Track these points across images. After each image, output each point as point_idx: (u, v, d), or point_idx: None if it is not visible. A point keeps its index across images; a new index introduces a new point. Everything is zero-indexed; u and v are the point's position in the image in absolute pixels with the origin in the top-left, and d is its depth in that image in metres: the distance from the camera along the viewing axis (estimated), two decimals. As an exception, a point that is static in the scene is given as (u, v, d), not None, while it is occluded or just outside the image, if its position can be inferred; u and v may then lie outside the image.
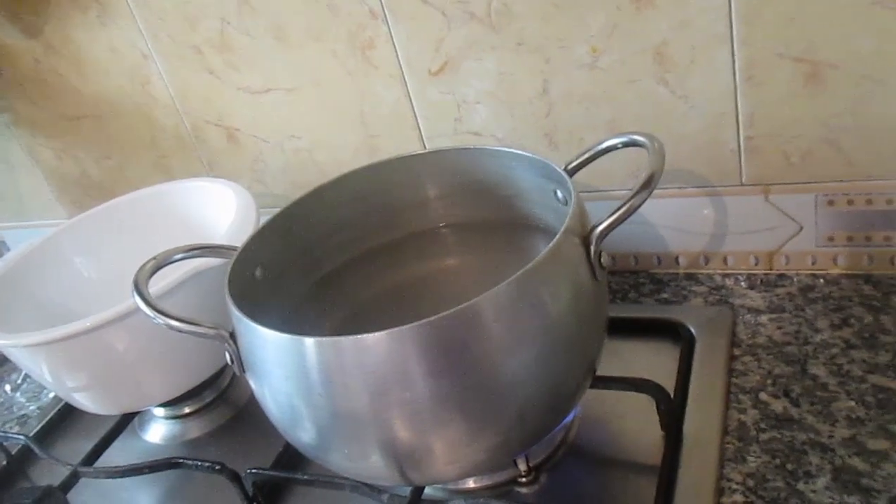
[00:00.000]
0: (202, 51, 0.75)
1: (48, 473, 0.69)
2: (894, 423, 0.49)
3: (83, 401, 0.65)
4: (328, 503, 0.57)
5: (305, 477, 0.57)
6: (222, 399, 0.71)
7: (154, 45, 0.77)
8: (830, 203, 0.61)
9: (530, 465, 0.54)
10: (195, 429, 0.70)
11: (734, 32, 0.56)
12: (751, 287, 0.65)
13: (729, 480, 0.49)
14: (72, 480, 0.63)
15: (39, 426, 0.75)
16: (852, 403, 0.51)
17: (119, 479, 0.64)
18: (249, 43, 0.73)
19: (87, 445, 0.67)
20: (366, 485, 0.53)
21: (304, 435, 0.48)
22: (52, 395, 0.80)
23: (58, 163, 0.95)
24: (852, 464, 0.47)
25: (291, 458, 0.59)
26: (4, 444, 0.72)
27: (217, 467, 0.58)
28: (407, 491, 0.52)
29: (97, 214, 0.78)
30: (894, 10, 0.51)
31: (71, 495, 0.63)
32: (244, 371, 0.49)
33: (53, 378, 0.63)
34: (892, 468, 0.46)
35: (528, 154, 0.54)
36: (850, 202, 0.60)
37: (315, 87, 0.73)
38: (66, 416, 0.76)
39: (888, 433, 0.49)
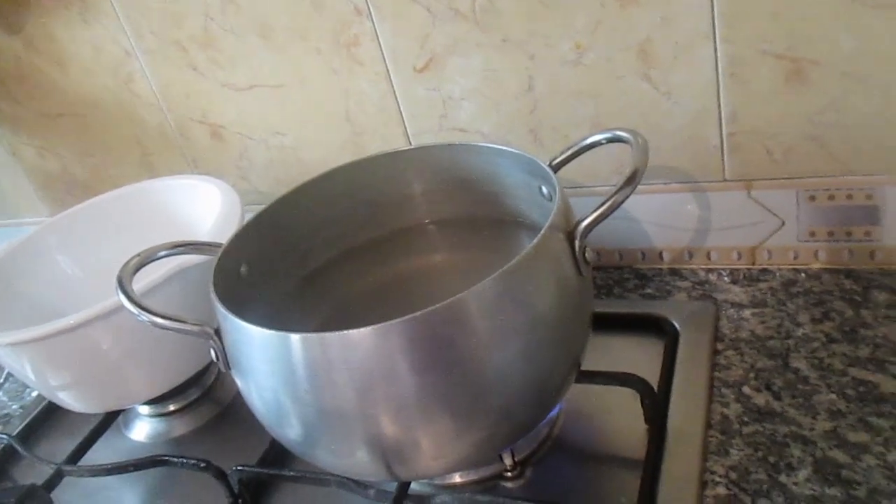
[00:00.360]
0: (186, 48, 0.75)
1: (32, 473, 0.69)
2: (874, 415, 0.50)
3: (67, 399, 0.65)
4: (314, 500, 0.57)
5: (292, 473, 0.57)
6: (208, 396, 0.71)
7: (137, 42, 0.77)
8: (812, 198, 0.61)
9: (516, 459, 0.54)
10: (180, 426, 0.69)
11: (717, 29, 0.56)
12: (734, 282, 0.65)
13: (712, 473, 0.49)
14: (56, 479, 0.63)
15: (22, 425, 0.74)
16: (833, 396, 0.52)
17: (103, 478, 0.64)
18: (234, 40, 0.72)
19: (71, 444, 0.67)
20: (352, 480, 0.53)
21: (290, 431, 0.48)
22: (35, 393, 0.80)
23: (40, 160, 0.94)
24: (833, 456, 0.48)
25: (277, 454, 0.59)
26: (-13, 443, 0.71)
27: (202, 465, 0.58)
28: (393, 486, 0.52)
29: (80, 212, 0.78)
30: (874, 8, 0.52)
31: (55, 494, 0.62)
32: (229, 368, 0.49)
33: (36, 376, 0.62)
34: (871, 460, 0.47)
35: (513, 150, 0.55)
36: (831, 197, 0.61)
37: (300, 84, 0.73)
38: (49, 415, 0.76)
39: (868, 426, 0.49)
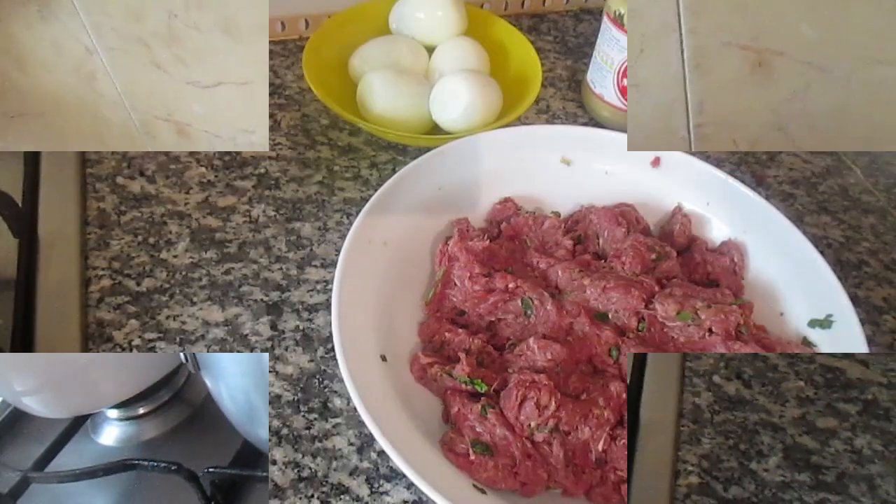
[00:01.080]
0: (149, 44, 0.74)
1: (-3, 480, 0.67)
2: (842, 401, 0.51)
3: (32, 404, 0.63)
4: (288, 500, 0.57)
5: (265, 474, 0.56)
6: (178, 398, 0.70)
7: (98, 39, 0.75)
8: (778, 188, 0.62)
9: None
10: (151, 429, 0.68)
11: (682, 21, 0.57)
12: (703, 272, 0.66)
13: (685, 462, 0.50)
14: (21, 487, 0.62)
15: (-13, 432, 0.72)
16: (801, 384, 0.53)
17: (72, 484, 0.63)
18: (198, 36, 0.71)
19: (38, 450, 0.65)
20: (326, 480, 0.52)
21: (261, 431, 0.47)
22: None
23: None
24: (802, 442, 0.49)
25: (249, 455, 0.59)
26: (-50, 452, 0.69)
27: (174, 467, 0.57)
28: (367, 484, 0.52)
29: (43, 213, 0.76)
30: (836, -1, 0.52)
31: (21, 502, 0.61)
32: (199, 369, 0.48)
33: (0, 382, 0.61)
34: (839, 445, 0.48)
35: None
36: (796, 187, 0.61)
37: (267, 81, 0.72)
38: (15, 421, 0.74)
39: (836, 411, 0.50)
